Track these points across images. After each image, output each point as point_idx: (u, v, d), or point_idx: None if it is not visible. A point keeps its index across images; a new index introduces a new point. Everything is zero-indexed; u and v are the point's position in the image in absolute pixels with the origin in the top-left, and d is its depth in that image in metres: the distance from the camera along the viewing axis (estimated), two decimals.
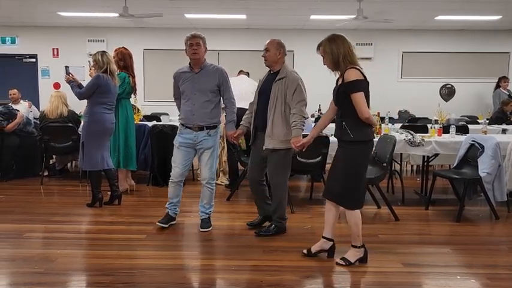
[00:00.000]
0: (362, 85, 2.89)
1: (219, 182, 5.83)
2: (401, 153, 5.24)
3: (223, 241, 3.66)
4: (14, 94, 6.86)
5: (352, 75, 2.88)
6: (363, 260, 3.14)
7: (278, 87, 3.51)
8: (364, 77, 2.94)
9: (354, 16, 6.82)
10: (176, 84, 3.87)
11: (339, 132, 3.03)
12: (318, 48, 3.06)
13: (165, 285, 2.82)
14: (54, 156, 6.33)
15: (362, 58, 11.07)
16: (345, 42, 2.96)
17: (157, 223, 3.85)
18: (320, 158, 4.61)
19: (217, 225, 4.01)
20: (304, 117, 3.46)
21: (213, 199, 3.94)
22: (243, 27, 9.30)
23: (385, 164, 4.33)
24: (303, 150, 3.39)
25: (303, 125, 3.47)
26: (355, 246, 3.12)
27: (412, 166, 7.11)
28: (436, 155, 4.88)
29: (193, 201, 5.00)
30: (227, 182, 5.69)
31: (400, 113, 9.11)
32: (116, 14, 7.01)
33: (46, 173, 6.01)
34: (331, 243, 3.24)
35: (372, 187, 4.61)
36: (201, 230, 3.84)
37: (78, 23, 9.05)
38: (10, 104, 6.40)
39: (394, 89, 9.62)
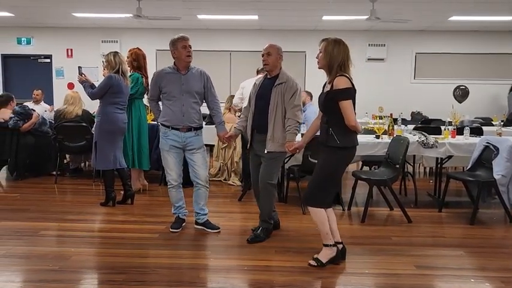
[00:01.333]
0: (350, 93, 2.92)
1: (230, 182, 5.85)
2: (414, 155, 5.20)
3: (235, 241, 3.67)
4: (37, 95, 6.98)
5: (341, 82, 2.90)
6: (334, 260, 3.12)
7: (278, 92, 3.53)
8: (353, 85, 2.96)
9: (367, 17, 6.79)
10: (156, 85, 3.78)
11: (324, 137, 3.05)
12: (322, 41, 3.04)
13: (178, 284, 2.84)
14: (68, 156, 6.41)
15: (375, 59, 11.08)
16: (346, 50, 2.96)
17: (170, 230, 3.84)
18: None
19: (229, 225, 4.03)
20: (298, 121, 3.52)
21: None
22: (255, 28, 9.32)
23: (397, 166, 4.30)
24: (298, 153, 3.61)
25: (297, 130, 3.54)
26: (327, 245, 3.11)
27: (425, 168, 7.04)
28: (450, 157, 4.83)
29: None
30: (239, 183, 5.71)
31: (413, 114, 9.03)
32: (130, 15, 7.08)
33: (60, 172, 6.08)
34: (341, 245, 3.22)
35: (384, 189, 4.58)
36: (213, 231, 3.84)
37: (92, 24, 9.16)
38: (27, 104, 6.51)
39: (407, 90, 9.56)
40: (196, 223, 3.93)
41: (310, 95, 6.75)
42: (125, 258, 3.25)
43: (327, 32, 9.38)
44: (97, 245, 3.58)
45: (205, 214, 3.91)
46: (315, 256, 3.13)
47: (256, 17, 8.24)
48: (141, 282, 2.85)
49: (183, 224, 3.93)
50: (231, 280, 2.95)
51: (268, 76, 3.66)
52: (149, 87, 3.95)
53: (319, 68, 3.07)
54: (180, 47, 3.68)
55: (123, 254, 3.34)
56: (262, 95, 3.62)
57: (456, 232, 4.04)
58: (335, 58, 2.92)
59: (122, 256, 3.29)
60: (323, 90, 3.11)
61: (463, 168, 5.76)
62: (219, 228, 3.88)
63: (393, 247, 3.56)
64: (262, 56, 3.59)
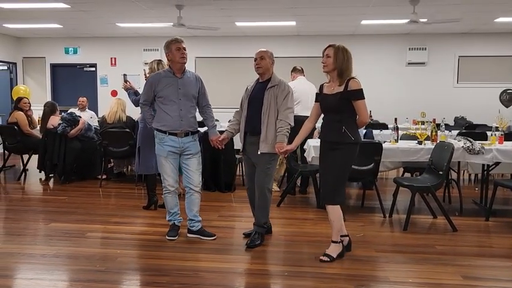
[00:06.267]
0: (363, 94, 3.23)
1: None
2: (458, 162, 5.03)
3: (275, 246, 3.68)
4: (82, 102, 7.28)
5: (357, 84, 3.21)
6: (341, 255, 3.33)
7: (271, 94, 3.60)
8: None
9: (408, 20, 6.65)
10: (151, 89, 3.72)
11: (335, 135, 3.26)
12: (328, 46, 3.30)
13: None
14: (112, 160, 6.64)
15: (415, 63, 10.77)
16: (351, 58, 3.27)
17: (167, 238, 3.81)
18: (372, 165, 4.53)
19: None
20: (290, 124, 3.55)
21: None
22: (293, 34, 9.33)
23: (441, 172, 4.17)
24: (286, 156, 3.70)
25: (288, 132, 3.56)
26: (335, 242, 3.34)
27: (469, 175, 6.79)
28: (497, 163, 4.64)
29: (244, 206, 5.06)
30: (277, 188, 5.72)
31: (456, 119, 8.73)
32: (170, 24, 7.27)
33: (104, 176, 6.31)
34: (347, 238, 3.45)
35: (427, 196, 4.46)
36: (209, 238, 3.78)
37: (135, 33, 9.47)
38: (73, 110, 6.79)
39: (449, 94, 9.27)
40: (190, 231, 3.86)
41: None
42: (167, 260, 3.32)
43: (366, 37, 9.32)
44: (140, 247, 3.69)
45: (199, 221, 3.88)
46: (326, 252, 3.32)
47: (294, 23, 8.25)
48: (184, 285, 2.90)
49: (179, 231, 3.91)
50: (271, 285, 2.96)
51: (260, 80, 3.73)
52: (143, 91, 3.89)
53: (325, 71, 3.30)
54: (174, 49, 3.67)
55: (166, 256, 3.42)
56: (255, 99, 3.67)
57: (505, 242, 3.86)
58: (345, 64, 3.22)
59: (164, 259, 3.37)
60: (321, 92, 3.36)
61: (511, 175, 5.52)
62: (214, 235, 3.83)
63: (438, 256, 3.45)
64: (255, 61, 3.67)
